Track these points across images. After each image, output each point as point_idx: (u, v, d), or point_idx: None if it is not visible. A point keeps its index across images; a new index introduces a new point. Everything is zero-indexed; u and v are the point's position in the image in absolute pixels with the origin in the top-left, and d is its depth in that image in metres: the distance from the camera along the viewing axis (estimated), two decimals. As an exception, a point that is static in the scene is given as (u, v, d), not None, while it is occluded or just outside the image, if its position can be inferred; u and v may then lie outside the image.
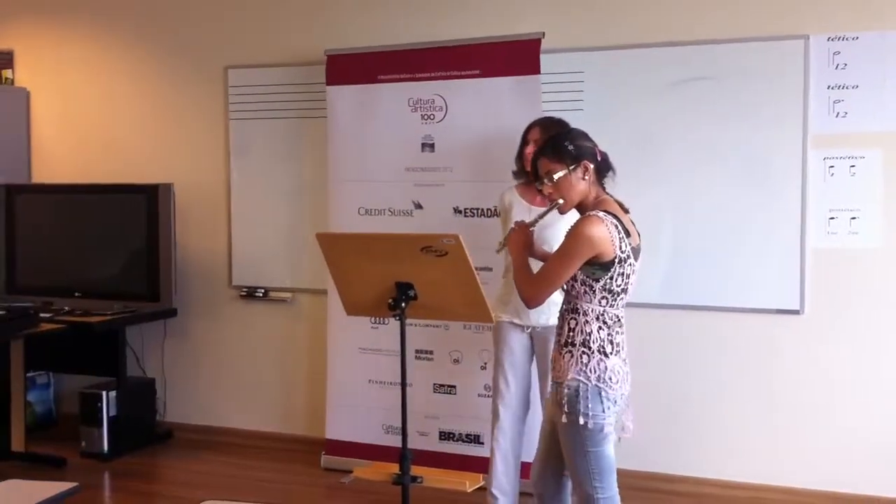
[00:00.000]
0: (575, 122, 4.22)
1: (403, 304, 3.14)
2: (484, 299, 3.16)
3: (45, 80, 5.51)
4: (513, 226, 3.06)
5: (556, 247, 3.02)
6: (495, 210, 4.04)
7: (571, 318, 2.80)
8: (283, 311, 5.01)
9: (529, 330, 3.70)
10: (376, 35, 4.61)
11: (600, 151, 2.85)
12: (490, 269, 3.97)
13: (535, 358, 3.75)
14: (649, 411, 4.28)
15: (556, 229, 3.31)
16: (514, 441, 3.75)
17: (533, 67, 4.12)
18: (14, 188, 5.30)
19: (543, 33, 4.11)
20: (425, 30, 4.51)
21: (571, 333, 2.79)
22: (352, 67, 4.52)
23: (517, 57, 4.16)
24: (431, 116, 4.37)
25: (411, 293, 3.16)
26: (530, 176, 3.63)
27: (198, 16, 5.12)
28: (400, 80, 4.42)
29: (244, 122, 5.00)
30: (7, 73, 5.56)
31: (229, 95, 5.01)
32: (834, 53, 3.91)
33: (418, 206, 4.44)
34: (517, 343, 3.73)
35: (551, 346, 3.29)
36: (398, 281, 3.15)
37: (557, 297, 3.07)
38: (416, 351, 4.44)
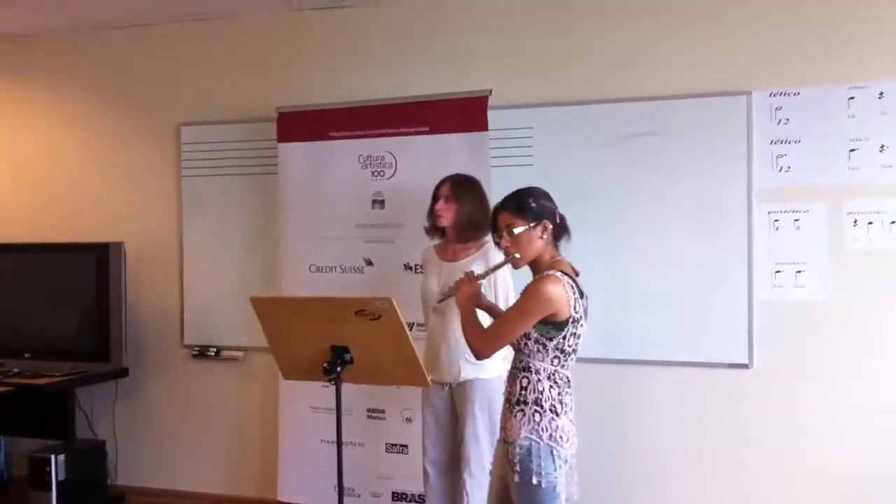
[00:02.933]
0: (525, 176, 4.46)
1: (339, 368, 3.34)
2: (419, 363, 3.35)
3: (-5, 138, 5.76)
4: (462, 276, 3.24)
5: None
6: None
7: (524, 377, 2.95)
8: (235, 369, 5.21)
9: (447, 387, 3.91)
10: (327, 92, 4.86)
11: (559, 214, 3.05)
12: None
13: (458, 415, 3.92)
14: (599, 470, 4.48)
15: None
16: (442, 499, 3.97)
17: (481, 124, 4.36)
18: (-36, 247, 5.52)
19: (490, 90, 4.36)
20: (376, 87, 4.77)
21: (524, 392, 2.94)
22: (303, 124, 4.76)
23: (465, 113, 4.40)
24: (382, 173, 4.61)
25: (347, 357, 3.35)
26: (437, 232, 3.93)
27: (150, 73, 5.37)
28: (350, 137, 4.66)
29: (197, 179, 5.23)
30: (-41, 129, 5.79)
31: (182, 152, 5.25)
32: (776, 109, 4.17)
33: (369, 263, 4.66)
34: (439, 400, 3.94)
35: (469, 403, 3.61)
36: (333, 344, 3.35)
37: (470, 355, 3.36)
38: (368, 409, 4.64)
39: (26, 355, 5.23)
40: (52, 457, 5.01)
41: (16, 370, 5.14)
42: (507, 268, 3.22)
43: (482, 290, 3.67)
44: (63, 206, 5.59)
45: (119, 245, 5.15)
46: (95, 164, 5.52)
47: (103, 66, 5.50)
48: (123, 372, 5.23)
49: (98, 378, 5.19)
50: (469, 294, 3.15)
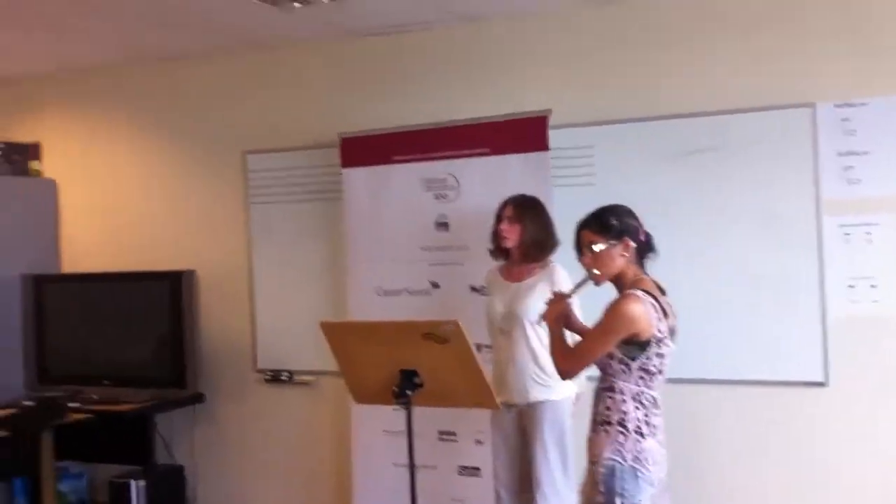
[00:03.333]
0: (587, 194, 4.51)
1: (409, 392, 3.42)
2: (488, 386, 3.41)
3: (71, 171, 5.98)
4: (551, 295, 3.27)
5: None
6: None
7: (608, 397, 2.98)
8: (308, 393, 5.31)
9: (515, 409, 3.94)
10: (389, 116, 4.96)
11: (644, 232, 3.10)
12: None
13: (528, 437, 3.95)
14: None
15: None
16: None
17: (541, 144, 4.42)
18: (42, 278, 5.73)
19: (550, 110, 4.41)
20: (436, 110, 4.84)
21: (608, 412, 2.97)
22: (365, 149, 4.87)
23: (525, 134, 4.46)
24: (444, 195, 4.69)
25: (416, 380, 3.42)
26: (501, 253, 3.98)
27: (216, 103, 5.54)
28: (412, 161, 4.75)
29: (264, 206, 5.36)
30: (35, 164, 6.03)
31: (249, 180, 5.41)
32: (842, 120, 4.13)
33: (435, 286, 4.72)
34: (508, 422, 3.98)
35: (538, 424, 3.68)
36: (402, 368, 3.43)
37: (538, 376, 3.53)
38: (440, 432, 4.68)
39: (105, 382, 5.42)
40: (133, 482, 5.19)
41: (95, 397, 5.32)
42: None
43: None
44: (136, 236, 5.77)
45: (191, 273, 5.33)
46: (166, 194, 5.71)
47: (171, 97, 5.69)
48: (199, 398, 5.40)
49: (175, 404, 5.35)
50: (557, 313, 3.17)
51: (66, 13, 4.52)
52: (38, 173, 6.04)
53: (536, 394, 3.85)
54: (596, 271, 3.04)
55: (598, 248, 3.02)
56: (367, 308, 4.81)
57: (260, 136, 5.40)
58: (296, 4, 4.39)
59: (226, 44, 5.28)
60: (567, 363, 3.06)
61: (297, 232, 5.29)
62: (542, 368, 3.82)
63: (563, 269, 3.85)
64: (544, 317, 3.23)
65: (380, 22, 4.81)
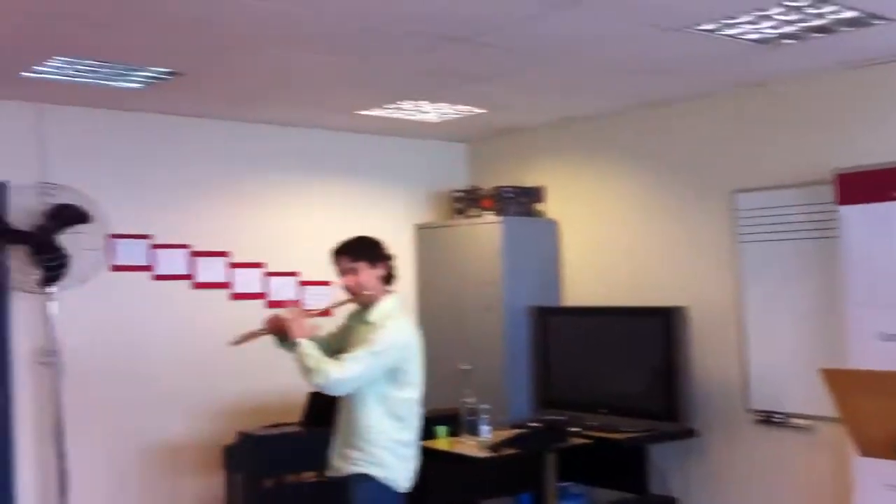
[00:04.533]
0: None
1: (923, 452, 3.21)
2: None
3: (571, 212, 6.51)
4: None
5: None
6: None
7: None
8: (803, 438, 5.17)
9: None
10: (888, 150, 4.71)
11: None
12: None
13: None
14: None
15: None
16: None
17: None
18: (546, 310, 6.31)
19: None
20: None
21: None
22: (864, 185, 4.67)
23: None
24: (963, 234, 4.34)
25: (931, 438, 3.21)
26: None
27: (705, 143, 5.68)
28: (919, 198, 4.47)
29: (754, 245, 5.36)
30: (540, 206, 6.65)
31: (738, 219, 5.43)
32: None
33: (948, 331, 4.38)
34: None
35: None
36: (915, 422, 3.23)
37: None
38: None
39: (602, 410, 5.78)
40: (626, 509, 5.48)
41: (594, 423, 5.67)
42: None
43: None
44: (629, 272, 6.10)
45: (683, 309, 5.50)
46: (657, 232, 5.96)
47: (662, 139, 5.94)
48: (691, 432, 5.53)
49: (667, 436, 5.54)
50: None
51: (571, 74, 5.01)
52: (542, 214, 6.64)
53: None
54: None
55: None
56: (867, 354, 4.58)
57: (749, 174, 5.42)
58: (786, 42, 4.38)
59: (714, 86, 5.41)
60: None
61: (789, 271, 5.21)
62: None
63: None
64: None
65: (875, 52, 4.60)
